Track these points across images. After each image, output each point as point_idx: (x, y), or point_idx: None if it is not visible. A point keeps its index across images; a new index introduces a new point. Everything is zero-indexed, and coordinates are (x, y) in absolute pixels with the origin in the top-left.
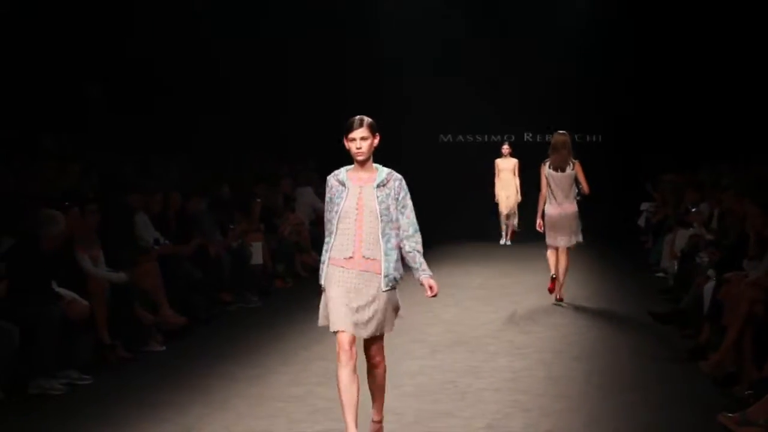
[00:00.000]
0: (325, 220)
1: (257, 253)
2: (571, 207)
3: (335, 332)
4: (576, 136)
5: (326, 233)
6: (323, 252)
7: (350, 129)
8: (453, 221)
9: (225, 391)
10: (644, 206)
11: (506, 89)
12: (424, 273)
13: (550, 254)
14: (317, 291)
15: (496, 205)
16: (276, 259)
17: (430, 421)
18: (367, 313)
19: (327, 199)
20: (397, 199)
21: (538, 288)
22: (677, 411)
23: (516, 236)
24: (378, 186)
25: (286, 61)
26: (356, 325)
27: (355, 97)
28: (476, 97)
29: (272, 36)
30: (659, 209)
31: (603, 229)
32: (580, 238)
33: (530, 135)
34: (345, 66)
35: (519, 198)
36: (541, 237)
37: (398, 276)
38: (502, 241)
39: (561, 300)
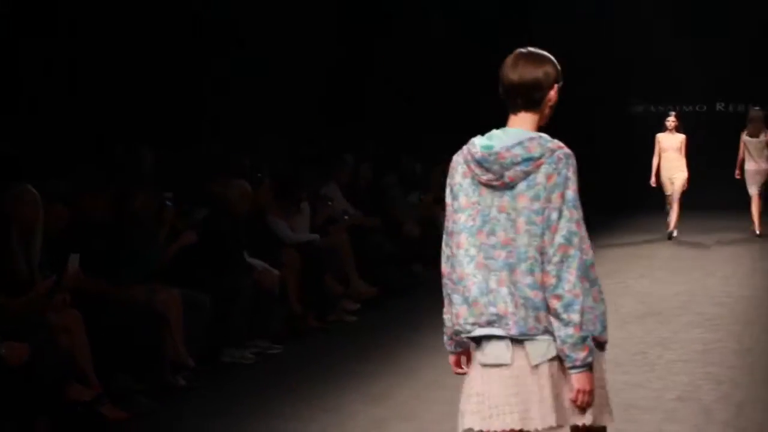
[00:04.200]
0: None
1: None
2: (765, 164)
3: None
4: None
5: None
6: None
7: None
8: (645, 192)
9: (414, 360)
10: None
11: (703, 57)
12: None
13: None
14: None
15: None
16: None
17: (621, 393)
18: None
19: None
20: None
21: (731, 259)
22: None
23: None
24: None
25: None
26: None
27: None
28: (668, 64)
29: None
30: None
31: None
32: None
33: (722, 105)
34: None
35: (685, 185)
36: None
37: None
38: (672, 233)
39: (760, 234)
